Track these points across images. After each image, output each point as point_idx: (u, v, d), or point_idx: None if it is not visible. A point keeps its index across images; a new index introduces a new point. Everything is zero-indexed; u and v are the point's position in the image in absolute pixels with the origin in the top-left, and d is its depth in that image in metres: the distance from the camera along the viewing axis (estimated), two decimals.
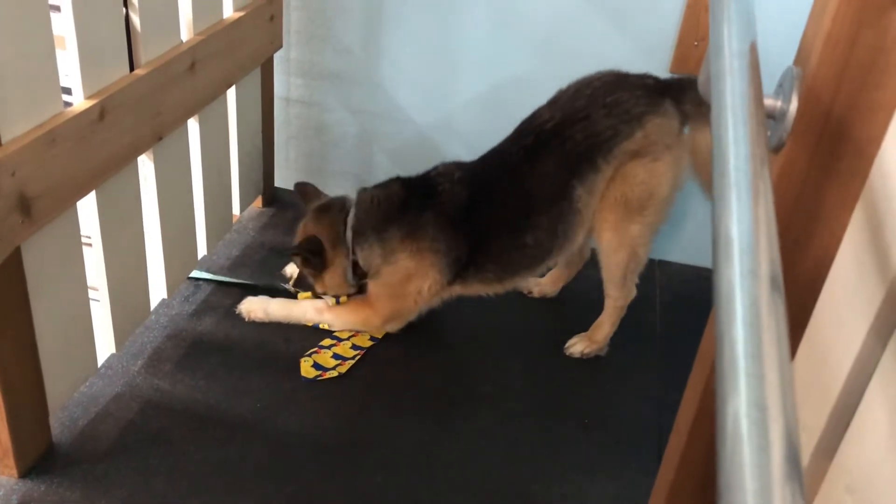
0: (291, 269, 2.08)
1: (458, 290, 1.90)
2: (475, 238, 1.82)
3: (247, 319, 1.94)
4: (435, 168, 1.89)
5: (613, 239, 1.80)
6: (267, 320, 1.95)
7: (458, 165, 1.87)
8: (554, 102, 1.79)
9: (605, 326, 1.96)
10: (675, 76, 1.80)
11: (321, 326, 1.95)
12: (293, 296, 2.03)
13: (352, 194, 1.94)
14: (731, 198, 0.58)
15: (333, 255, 1.89)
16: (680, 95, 1.76)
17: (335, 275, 1.91)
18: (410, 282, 1.84)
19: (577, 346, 1.97)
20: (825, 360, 0.84)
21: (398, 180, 1.90)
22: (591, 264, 1.95)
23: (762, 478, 0.39)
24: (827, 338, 0.85)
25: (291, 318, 1.95)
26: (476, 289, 1.91)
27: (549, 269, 2.16)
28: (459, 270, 1.84)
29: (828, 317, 0.87)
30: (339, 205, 1.92)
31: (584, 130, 1.72)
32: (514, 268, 1.86)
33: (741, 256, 0.53)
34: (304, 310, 1.95)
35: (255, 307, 1.95)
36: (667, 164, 1.74)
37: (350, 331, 1.95)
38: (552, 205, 1.77)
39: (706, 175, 1.85)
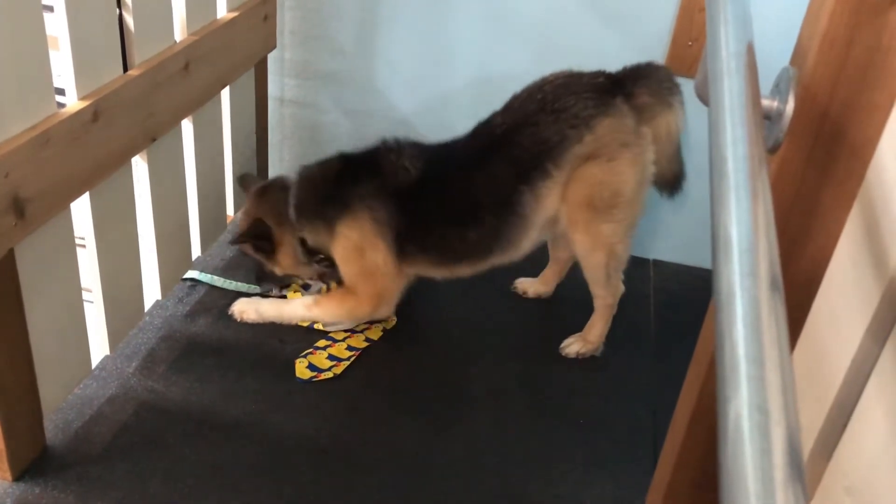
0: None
1: (408, 268, 1.88)
2: (419, 217, 1.82)
3: (239, 320, 1.94)
4: (384, 142, 1.87)
5: (587, 240, 1.81)
6: (260, 321, 1.94)
7: (414, 144, 1.87)
8: (507, 108, 1.81)
9: (597, 326, 1.96)
10: (630, 66, 1.79)
11: (316, 327, 1.95)
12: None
13: (292, 175, 1.94)
14: (730, 199, 0.58)
15: (280, 234, 1.90)
16: (633, 90, 1.76)
17: (286, 255, 1.93)
18: (365, 256, 1.84)
19: (573, 346, 1.97)
20: (822, 360, 0.84)
21: (340, 156, 1.91)
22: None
23: (764, 480, 0.39)
24: (824, 338, 0.85)
25: (283, 317, 1.94)
26: (425, 269, 1.90)
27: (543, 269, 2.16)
28: (404, 245, 1.83)
29: (825, 317, 0.87)
30: (280, 184, 1.93)
31: (533, 136, 1.73)
32: (458, 257, 1.86)
33: (741, 257, 0.53)
34: (294, 308, 1.94)
35: (247, 308, 1.94)
36: (625, 162, 1.74)
37: (343, 322, 1.94)
38: (499, 207, 1.78)
39: (660, 161, 1.83)
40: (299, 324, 1.96)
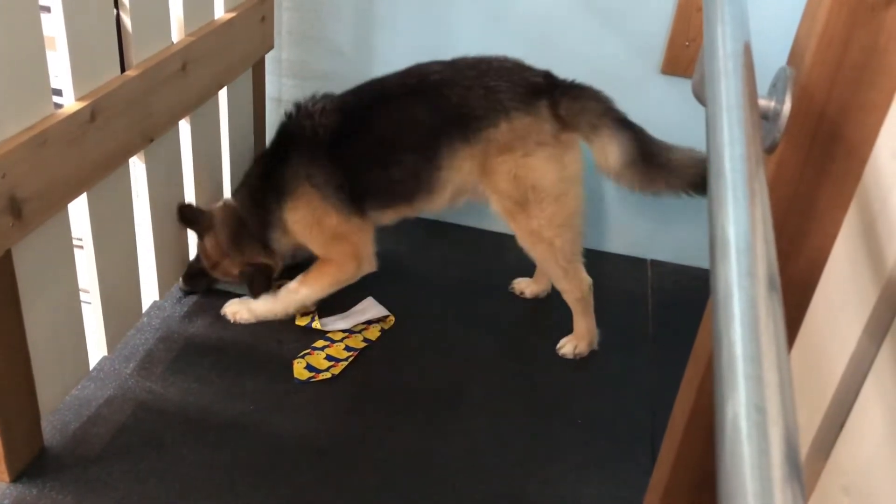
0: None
1: (367, 218, 1.93)
2: (350, 165, 1.87)
3: (233, 322, 1.95)
4: (287, 115, 1.93)
5: (523, 236, 1.88)
6: (253, 319, 1.95)
7: (324, 97, 1.92)
8: (450, 63, 1.87)
9: (581, 322, 1.98)
10: (573, 82, 1.83)
11: (314, 326, 1.95)
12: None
13: (219, 204, 2.01)
14: (728, 199, 0.58)
15: (276, 264, 2.02)
16: (559, 100, 1.79)
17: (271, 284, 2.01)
18: (322, 224, 1.89)
19: (567, 346, 1.98)
20: (820, 359, 0.84)
21: (255, 159, 2.01)
22: (592, 276, 1.95)
23: (763, 479, 0.39)
24: (822, 337, 0.85)
25: (277, 311, 1.95)
26: (378, 216, 1.95)
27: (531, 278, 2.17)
28: (351, 195, 1.88)
29: (822, 316, 0.87)
30: (238, 221, 1.97)
31: (461, 97, 1.80)
32: (394, 198, 1.91)
33: (738, 257, 0.53)
34: (285, 299, 1.95)
35: (239, 308, 1.96)
36: (541, 159, 1.79)
37: (330, 292, 1.96)
38: (417, 148, 1.84)
39: (640, 187, 1.85)
40: (297, 323, 1.96)
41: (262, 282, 1.96)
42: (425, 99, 1.83)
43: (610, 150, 1.79)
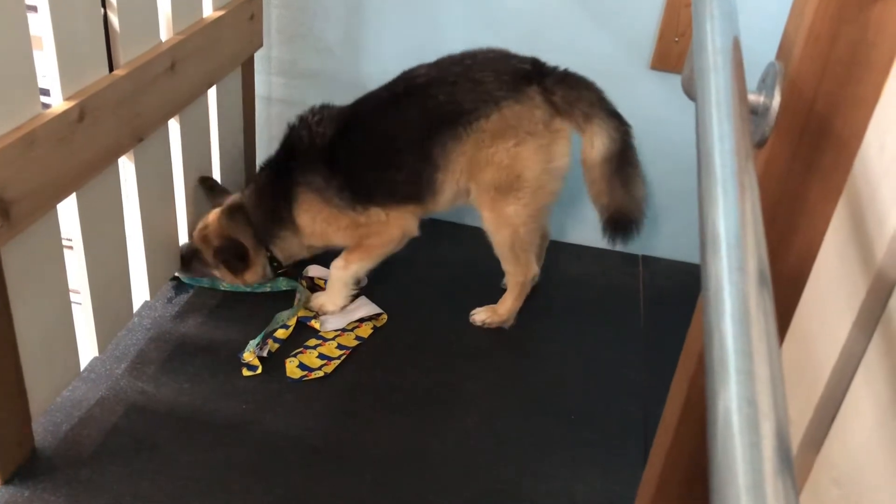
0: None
1: (401, 210, 1.95)
2: (351, 168, 1.91)
3: (322, 315, 1.98)
4: (290, 126, 1.97)
5: (492, 218, 1.90)
6: (334, 309, 1.99)
7: (322, 107, 1.96)
8: (434, 64, 1.90)
9: (507, 301, 2.02)
10: (560, 71, 1.86)
11: (312, 325, 1.94)
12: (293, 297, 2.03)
13: (237, 196, 2.04)
14: (718, 193, 0.58)
15: (255, 254, 2.00)
16: (555, 89, 1.82)
17: (254, 273, 2.02)
18: (332, 223, 1.94)
19: (481, 314, 2.04)
20: (810, 353, 0.84)
21: (262, 167, 2.03)
22: (584, 272, 1.96)
23: (754, 472, 0.40)
24: (812, 331, 0.86)
25: (344, 290, 2.00)
26: (425, 207, 1.96)
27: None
28: (353, 196, 1.91)
29: (812, 310, 0.87)
30: (239, 204, 2.00)
31: (449, 95, 1.83)
32: (402, 197, 1.93)
33: (728, 252, 0.53)
34: (337, 277, 1.98)
35: (319, 301, 2.00)
36: (530, 149, 1.82)
37: (378, 260, 2.00)
38: (415, 150, 1.86)
39: (594, 189, 1.91)
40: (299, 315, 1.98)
41: (233, 256, 1.97)
42: (415, 101, 1.86)
43: (598, 140, 1.83)
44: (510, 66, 1.84)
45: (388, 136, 1.89)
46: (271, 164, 2.00)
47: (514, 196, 1.85)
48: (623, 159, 1.85)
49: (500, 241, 1.93)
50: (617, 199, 1.89)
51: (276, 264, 2.04)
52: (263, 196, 1.99)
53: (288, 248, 2.02)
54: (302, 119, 1.95)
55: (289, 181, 1.94)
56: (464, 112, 1.81)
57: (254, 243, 1.99)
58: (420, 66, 1.90)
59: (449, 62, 1.88)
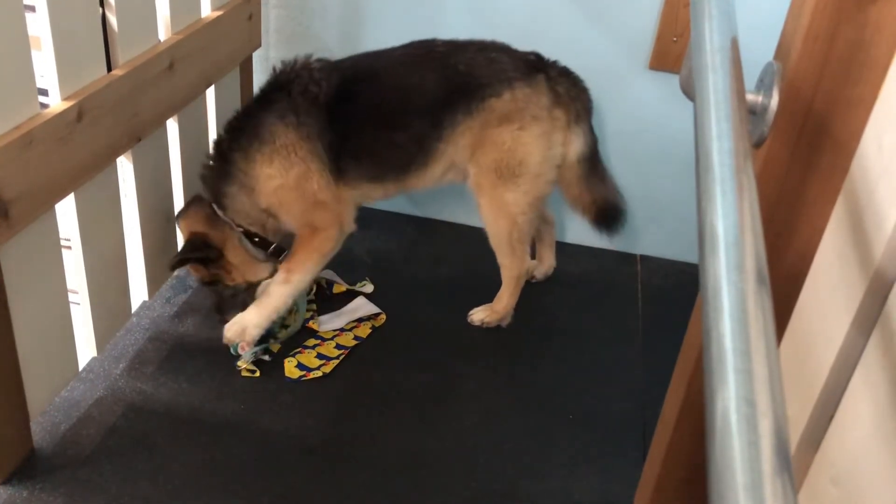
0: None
1: (349, 192, 1.82)
2: (349, 124, 1.80)
3: (241, 349, 1.78)
4: (278, 70, 1.83)
5: (491, 205, 1.89)
6: (260, 331, 1.77)
7: (319, 60, 1.84)
8: (449, 41, 1.90)
9: (504, 298, 2.02)
10: (560, 66, 1.91)
11: (311, 326, 1.94)
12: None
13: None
14: (716, 193, 0.59)
15: (218, 234, 1.79)
16: (559, 80, 1.88)
17: (236, 253, 1.81)
18: (301, 187, 1.74)
19: (479, 314, 2.03)
20: (809, 352, 0.84)
21: (237, 111, 1.85)
22: (583, 272, 1.96)
23: (752, 471, 0.40)
24: (810, 330, 0.86)
25: (277, 308, 1.77)
26: (362, 188, 1.85)
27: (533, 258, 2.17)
28: (338, 163, 1.78)
29: (811, 309, 0.87)
30: (198, 197, 1.84)
31: (468, 66, 1.84)
32: (386, 167, 1.85)
33: (727, 251, 0.53)
34: (275, 293, 1.76)
35: (237, 328, 1.77)
36: (533, 134, 1.84)
37: (322, 268, 1.83)
38: (425, 113, 1.83)
39: (571, 192, 1.98)
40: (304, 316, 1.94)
41: (192, 250, 1.78)
42: (434, 66, 1.85)
43: (577, 141, 1.91)
44: (518, 55, 1.89)
45: (401, 95, 1.84)
46: (245, 107, 1.84)
47: (513, 182, 1.85)
48: (594, 160, 1.98)
49: (497, 231, 1.91)
50: (599, 192, 1.98)
51: (258, 239, 1.82)
52: (222, 144, 1.79)
53: (240, 207, 1.79)
54: (296, 62, 1.81)
55: (267, 118, 1.74)
56: (480, 86, 1.81)
57: (211, 224, 1.79)
58: (436, 40, 1.90)
59: (462, 43, 1.89)
